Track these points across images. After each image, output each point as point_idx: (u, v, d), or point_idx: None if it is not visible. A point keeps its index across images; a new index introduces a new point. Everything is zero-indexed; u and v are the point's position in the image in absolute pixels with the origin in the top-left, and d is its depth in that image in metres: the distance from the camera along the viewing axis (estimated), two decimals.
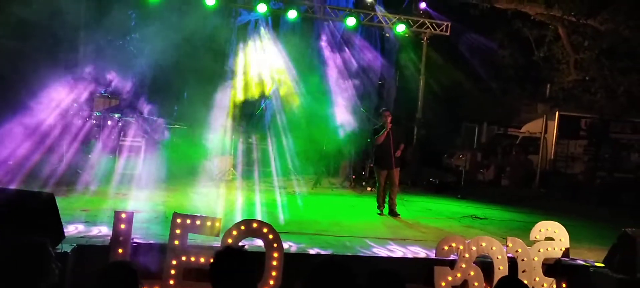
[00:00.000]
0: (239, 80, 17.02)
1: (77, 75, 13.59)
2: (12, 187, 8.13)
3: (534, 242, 7.17)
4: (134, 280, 3.64)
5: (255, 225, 6.11)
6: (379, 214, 10.84)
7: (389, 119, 10.77)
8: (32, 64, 11.67)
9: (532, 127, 21.58)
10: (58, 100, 12.23)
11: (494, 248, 6.82)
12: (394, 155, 10.69)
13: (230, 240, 5.94)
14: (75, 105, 12.58)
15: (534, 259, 6.94)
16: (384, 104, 18.70)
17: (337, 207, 11.74)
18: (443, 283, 6.59)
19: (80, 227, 7.53)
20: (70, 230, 7.20)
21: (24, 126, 10.89)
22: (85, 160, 11.89)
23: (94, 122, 12.58)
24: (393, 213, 10.82)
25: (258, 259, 5.78)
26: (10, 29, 12.17)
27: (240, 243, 5.93)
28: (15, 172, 10.02)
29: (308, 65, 19.17)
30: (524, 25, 17.88)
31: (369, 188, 14.21)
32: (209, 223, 6.03)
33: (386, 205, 10.97)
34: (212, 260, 3.50)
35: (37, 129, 11.17)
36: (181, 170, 13.34)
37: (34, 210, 5.63)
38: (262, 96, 17.30)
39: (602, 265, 7.38)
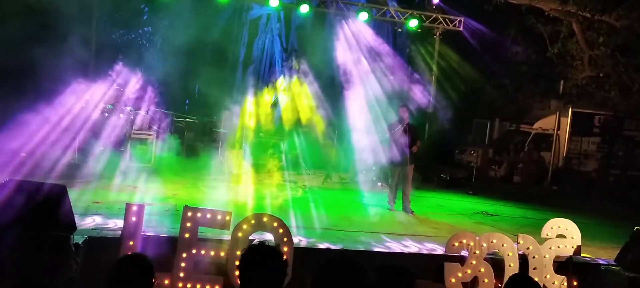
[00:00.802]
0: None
1: (90, 70, 13.71)
2: (25, 178, 8.18)
3: (546, 239, 7.13)
4: (149, 273, 3.64)
5: (265, 219, 6.12)
6: (390, 210, 10.80)
7: (406, 114, 10.69)
8: (44, 55, 11.73)
9: (545, 124, 21.41)
10: (70, 93, 12.34)
11: (504, 245, 6.78)
12: (410, 152, 10.61)
13: (240, 234, 5.95)
14: (88, 97, 12.67)
15: (545, 257, 6.90)
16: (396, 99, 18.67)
17: (347, 202, 11.73)
18: (453, 280, 6.56)
19: (98, 219, 7.61)
20: (87, 222, 7.28)
21: (36, 118, 10.99)
22: (97, 152, 11.95)
23: (106, 114, 12.64)
24: (406, 209, 10.77)
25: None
26: (24, 18, 12.28)
27: (250, 237, 5.95)
28: (29, 163, 10.11)
29: (320, 60, 19.19)
30: (537, 21, 17.73)
31: (379, 184, 14.18)
32: (219, 217, 6.04)
33: (397, 201, 10.92)
34: (243, 252, 3.47)
35: (48, 121, 11.26)
36: (192, 163, 13.42)
37: (47, 201, 5.67)
38: (274, 91, 17.33)
39: (614, 263, 7.32)
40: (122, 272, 3.60)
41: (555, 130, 19.92)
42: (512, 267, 6.69)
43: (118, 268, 3.62)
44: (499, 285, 6.63)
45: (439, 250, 7.49)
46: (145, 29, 18.24)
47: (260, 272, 3.37)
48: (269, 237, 6.11)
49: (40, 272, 3.57)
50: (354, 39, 17.72)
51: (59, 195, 5.85)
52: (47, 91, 11.58)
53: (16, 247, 4.68)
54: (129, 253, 5.55)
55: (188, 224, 5.98)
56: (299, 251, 6.29)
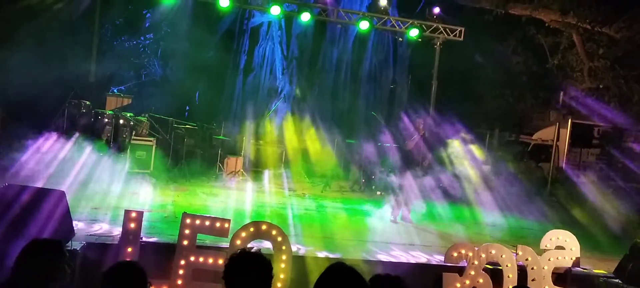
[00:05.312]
0: None
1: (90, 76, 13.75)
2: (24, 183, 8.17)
3: (545, 250, 7.12)
4: (142, 280, 3.62)
5: (264, 227, 6.11)
6: (392, 221, 10.68)
7: (422, 125, 10.64)
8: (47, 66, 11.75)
9: (544, 135, 21.41)
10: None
11: (503, 256, 6.77)
12: (422, 163, 10.57)
13: (239, 242, 5.94)
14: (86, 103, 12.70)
15: (543, 268, 6.89)
16: (396, 108, 18.71)
17: (347, 210, 11.71)
18: None
19: (96, 225, 7.59)
20: (85, 227, 7.28)
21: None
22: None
23: (106, 120, 12.62)
24: (406, 218, 10.73)
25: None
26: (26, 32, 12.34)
27: (249, 245, 5.94)
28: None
29: (320, 68, 19.23)
30: (538, 32, 17.79)
31: (378, 193, 14.17)
32: (218, 224, 6.03)
33: (400, 213, 10.83)
34: (227, 262, 3.51)
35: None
36: (192, 169, 13.43)
37: (46, 207, 5.67)
38: (275, 97, 17.37)
39: (613, 275, 7.32)
40: (115, 280, 3.58)
41: (555, 141, 19.90)
42: (510, 278, 6.68)
43: (110, 276, 3.59)
44: None
45: (438, 260, 7.48)
46: (147, 35, 18.29)
47: (245, 280, 3.39)
48: (267, 245, 6.10)
49: (32, 278, 3.55)
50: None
51: (57, 200, 5.86)
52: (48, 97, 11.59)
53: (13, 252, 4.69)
54: (128, 259, 5.55)
55: (187, 231, 5.97)
56: (297, 259, 6.29)
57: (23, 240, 5.04)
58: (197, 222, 6.01)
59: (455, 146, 14.74)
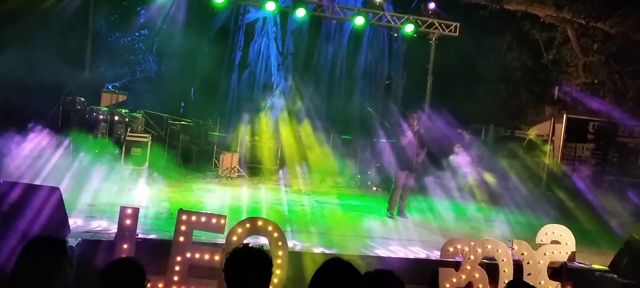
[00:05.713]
0: None
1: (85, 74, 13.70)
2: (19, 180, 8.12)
3: (540, 245, 7.14)
4: (141, 276, 3.61)
5: (260, 223, 6.10)
6: (389, 217, 10.64)
7: (416, 121, 10.61)
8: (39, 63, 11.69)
9: (540, 130, 21.45)
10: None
11: (499, 250, 6.78)
12: (416, 159, 10.56)
13: (235, 238, 5.93)
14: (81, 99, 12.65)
15: (539, 262, 6.91)
16: (391, 103, 18.71)
17: (342, 206, 11.71)
18: (447, 285, 6.56)
19: (92, 222, 7.56)
20: (81, 224, 7.25)
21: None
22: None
23: (101, 117, 12.58)
24: (402, 214, 10.74)
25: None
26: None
27: (245, 241, 5.93)
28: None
29: (315, 63, 19.21)
30: (533, 27, 17.81)
31: (374, 188, 14.19)
32: (214, 221, 6.02)
33: (396, 208, 10.84)
34: (228, 256, 3.50)
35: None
36: (187, 166, 13.40)
37: (38, 203, 5.65)
38: (271, 93, 17.34)
39: (608, 269, 7.35)
40: (114, 276, 3.57)
41: (550, 136, 19.95)
42: (506, 273, 6.70)
43: (109, 273, 3.58)
44: None
45: (434, 255, 7.49)
46: (141, 32, 18.25)
47: (246, 275, 3.39)
48: (263, 241, 6.09)
49: (33, 277, 3.53)
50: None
51: (52, 197, 5.83)
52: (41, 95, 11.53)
53: (9, 251, 4.66)
54: (123, 256, 5.53)
55: (182, 227, 5.96)
56: (293, 255, 6.28)
57: (13, 235, 5.05)
58: (193, 218, 6.00)
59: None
